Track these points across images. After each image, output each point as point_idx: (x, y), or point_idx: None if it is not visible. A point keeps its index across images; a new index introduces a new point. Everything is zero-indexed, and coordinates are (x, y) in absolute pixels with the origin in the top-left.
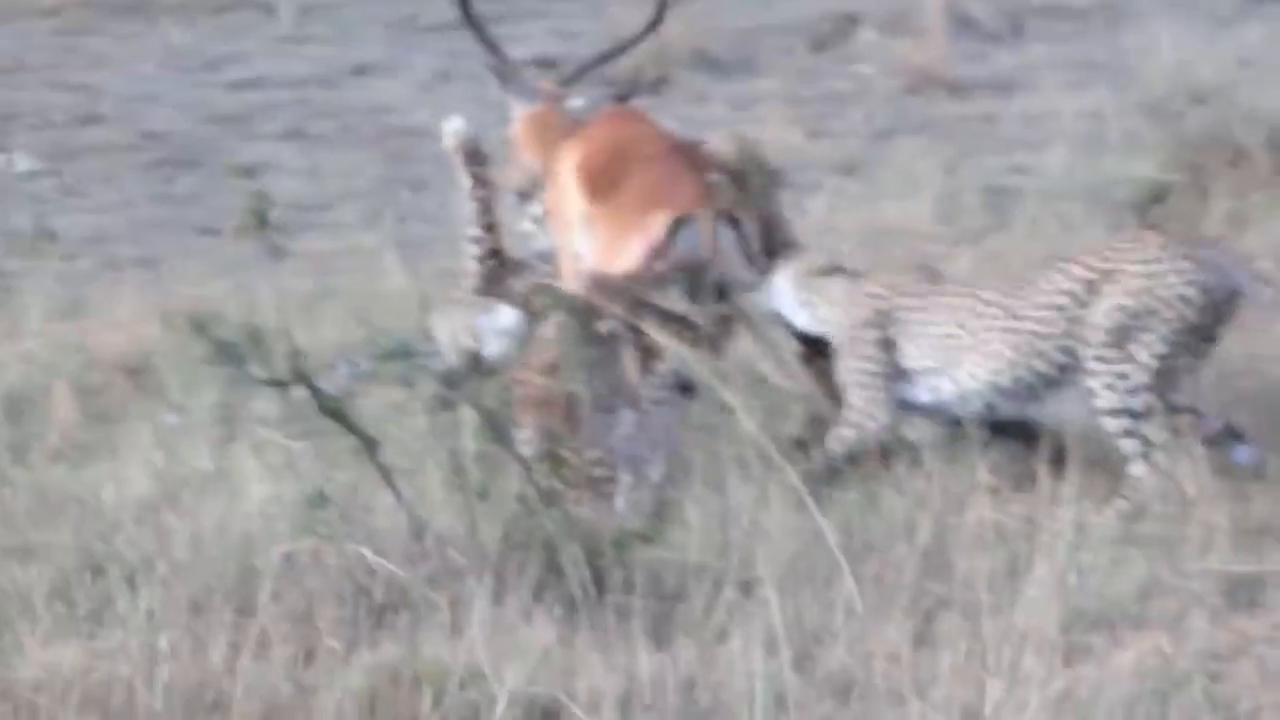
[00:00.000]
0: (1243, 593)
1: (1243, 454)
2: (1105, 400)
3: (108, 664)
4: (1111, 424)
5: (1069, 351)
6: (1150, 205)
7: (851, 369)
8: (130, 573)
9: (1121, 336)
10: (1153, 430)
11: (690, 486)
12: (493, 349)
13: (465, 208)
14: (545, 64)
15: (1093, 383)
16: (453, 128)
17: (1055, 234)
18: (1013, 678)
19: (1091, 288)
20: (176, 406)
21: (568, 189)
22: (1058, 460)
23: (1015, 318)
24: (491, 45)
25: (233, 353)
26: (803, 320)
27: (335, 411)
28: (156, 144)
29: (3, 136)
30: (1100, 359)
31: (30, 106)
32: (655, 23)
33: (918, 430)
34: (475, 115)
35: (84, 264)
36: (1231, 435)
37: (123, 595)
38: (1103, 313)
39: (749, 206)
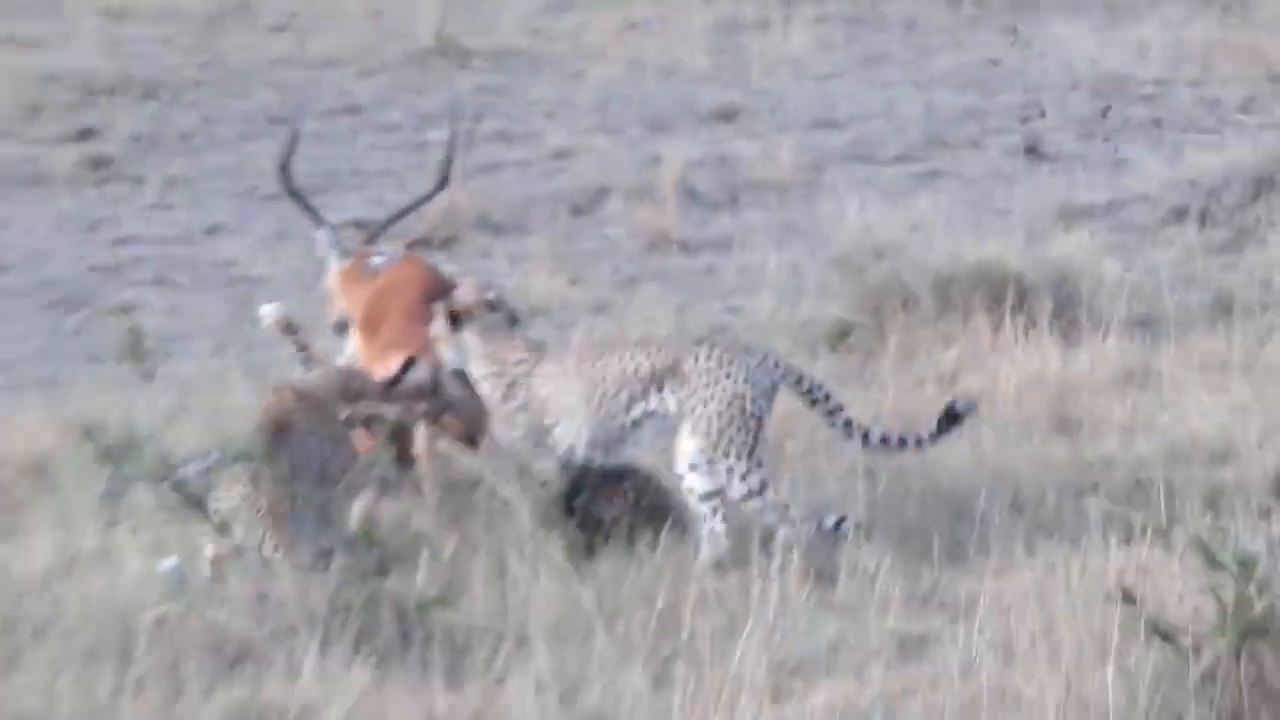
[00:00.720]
0: (912, 647)
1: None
2: (732, 491)
3: (18, 700)
4: (746, 508)
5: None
6: (839, 340)
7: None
8: (37, 629)
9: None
10: (773, 496)
11: (476, 559)
12: None
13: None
14: (361, 225)
15: (715, 481)
16: (267, 310)
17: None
18: (730, 713)
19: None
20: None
21: (354, 331)
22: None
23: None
24: (312, 213)
25: (114, 455)
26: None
27: (196, 500)
28: (52, 288)
29: None
30: (706, 457)
31: None
32: (440, 186)
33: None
34: (304, 265)
35: None
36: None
37: (29, 647)
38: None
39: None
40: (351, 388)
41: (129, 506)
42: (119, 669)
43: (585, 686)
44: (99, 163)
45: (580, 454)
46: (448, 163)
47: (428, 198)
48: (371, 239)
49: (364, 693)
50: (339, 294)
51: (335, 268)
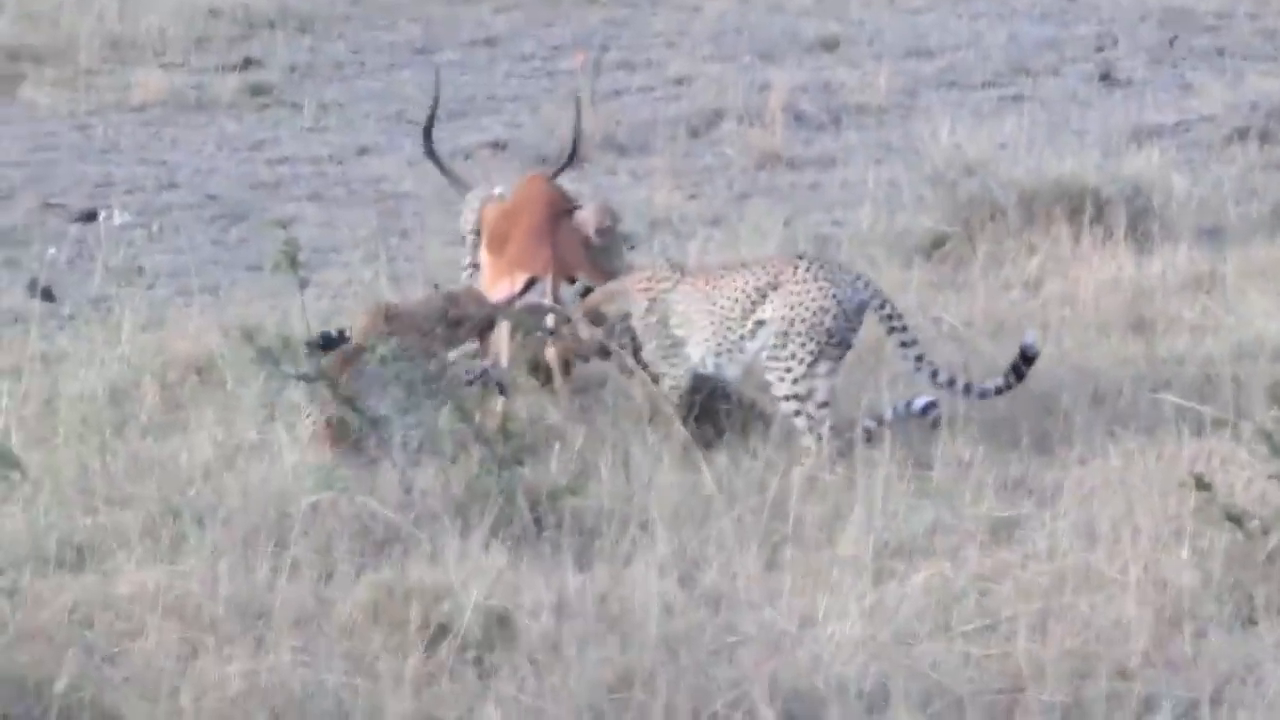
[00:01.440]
0: (1003, 531)
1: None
2: (780, 388)
3: (182, 583)
4: (784, 408)
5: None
6: (932, 249)
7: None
8: (199, 517)
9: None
10: (814, 409)
11: (603, 450)
12: None
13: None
14: (498, 146)
15: (770, 375)
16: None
17: (863, 270)
18: (837, 592)
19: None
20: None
21: (480, 243)
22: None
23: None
24: (446, 171)
25: (272, 355)
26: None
27: (347, 398)
28: (216, 204)
29: (106, 198)
30: (773, 356)
31: (126, 177)
32: (570, 160)
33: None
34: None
35: (163, 291)
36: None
37: (193, 533)
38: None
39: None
40: (453, 312)
41: (285, 403)
42: (275, 553)
43: (703, 567)
44: (259, 89)
45: (710, 362)
46: (577, 133)
47: (563, 168)
48: (554, 176)
49: (500, 574)
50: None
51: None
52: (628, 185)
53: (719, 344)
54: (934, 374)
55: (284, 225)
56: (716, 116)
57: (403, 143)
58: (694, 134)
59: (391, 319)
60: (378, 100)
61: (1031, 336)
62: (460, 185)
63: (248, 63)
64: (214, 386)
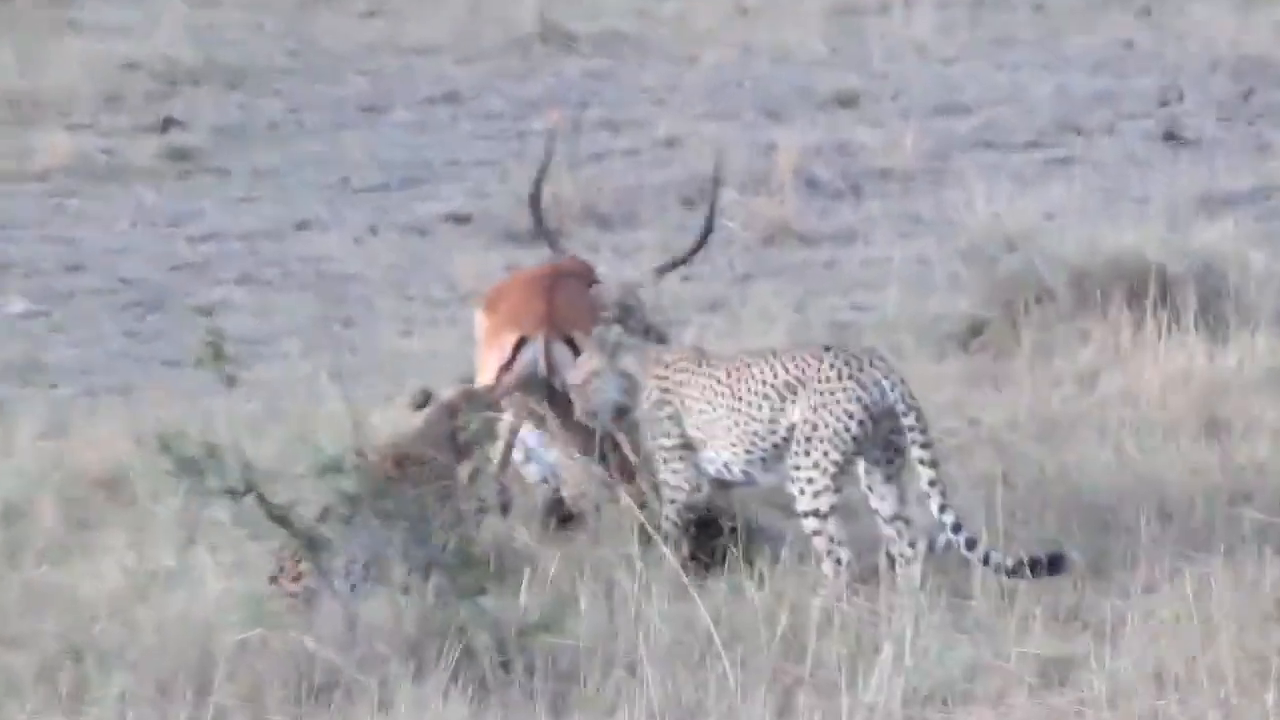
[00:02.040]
0: (1054, 672)
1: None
2: (800, 503)
3: None
4: (804, 524)
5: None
6: (970, 337)
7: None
8: (105, 658)
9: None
10: (835, 529)
11: (582, 578)
12: None
13: None
14: (459, 219)
15: (791, 487)
16: None
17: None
18: None
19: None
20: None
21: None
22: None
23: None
24: (551, 240)
25: (194, 467)
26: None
27: (281, 517)
28: (129, 289)
29: (1, 282)
30: (794, 464)
31: (23, 257)
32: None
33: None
34: (399, 260)
35: (67, 391)
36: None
37: (99, 678)
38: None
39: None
40: (460, 426)
41: (209, 523)
42: (196, 701)
43: (701, 716)
44: (182, 154)
45: (738, 469)
46: (711, 214)
47: (695, 250)
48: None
49: None
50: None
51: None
52: (611, 263)
53: (748, 449)
54: (956, 525)
55: (209, 313)
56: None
57: (347, 215)
58: (688, 204)
59: (401, 462)
60: (319, 166)
61: (1074, 554)
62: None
63: (168, 123)
64: (124, 504)
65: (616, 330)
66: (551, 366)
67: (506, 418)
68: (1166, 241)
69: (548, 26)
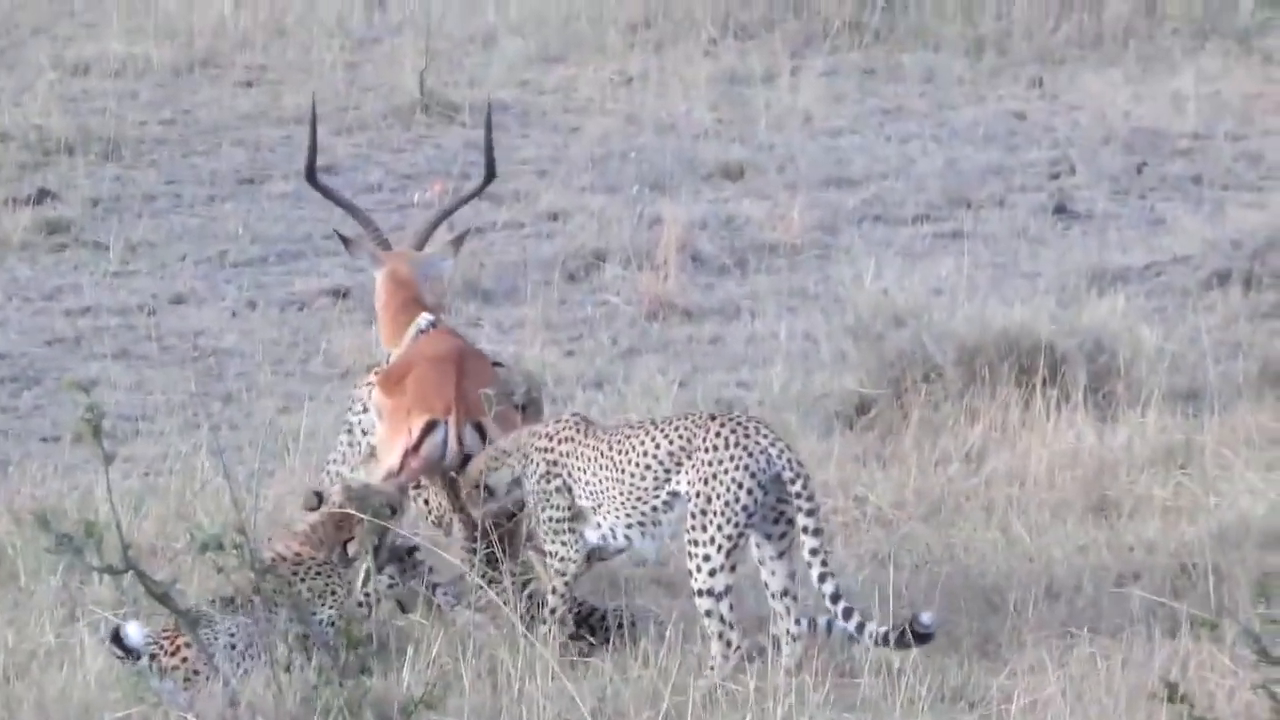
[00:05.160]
0: None
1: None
2: (695, 580)
3: None
4: (698, 603)
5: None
6: (856, 415)
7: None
8: None
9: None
10: (728, 610)
11: (465, 656)
12: None
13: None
14: (339, 294)
15: (688, 563)
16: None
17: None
18: None
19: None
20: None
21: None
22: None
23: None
24: (362, 218)
25: (72, 544)
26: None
27: (161, 595)
28: (4, 363)
29: None
30: (690, 540)
31: None
32: (488, 178)
33: (659, 606)
34: (278, 334)
35: None
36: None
37: None
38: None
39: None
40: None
41: (89, 600)
42: None
43: None
44: (56, 227)
45: (620, 534)
46: (489, 150)
47: (476, 192)
48: (420, 243)
49: None
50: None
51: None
52: (493, 339)
53: (628, 515)
54: (835, 595)
55: (86, 389)
56: (598, 258)
57: (225, 290)
58: (571, 278)
59: (296, 565)
60: (195, 240)
61: (929, 617)
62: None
63: (42, 195)
64: (4, 581)
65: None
66: (460, 451)
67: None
68: (1056, 317)
69: (429, 96)
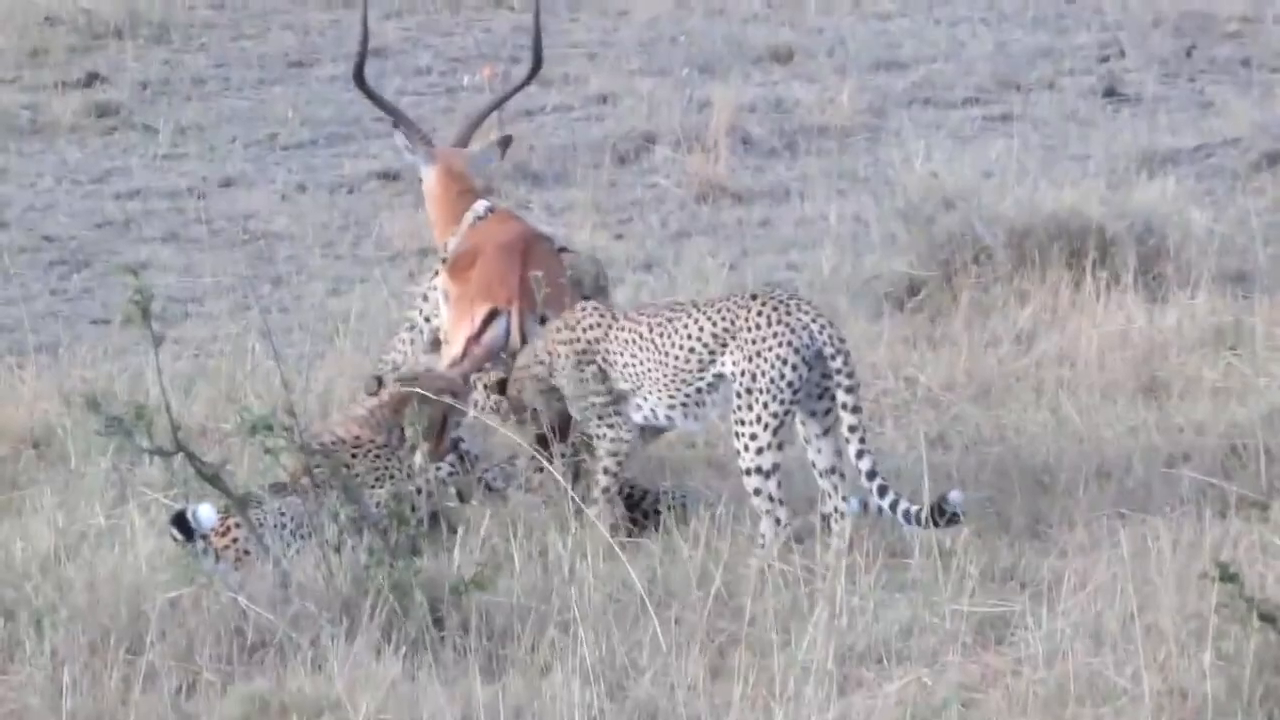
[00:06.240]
0: (991, 630)
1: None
2: (743, 459)
3: (18, 696)
4: (746, 482)
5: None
6: (906, 297)
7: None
8: (36, 616)
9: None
10: (775, 488)
11: (515, 538)
12: None
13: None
14: (388, 176)
15: (735, 443)
16: None
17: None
18: (795, 705)
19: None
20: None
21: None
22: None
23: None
24: (388, 110)
25: (122, 426)
26: None
27: (212, 476)
28: (54, 246)
29: None
30: (736, 419)
31: None
32: (535, 68)
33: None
34: (328, 218)
35: None
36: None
37: (30, 637)
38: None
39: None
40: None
41: (139, 482)
42: (128, 660)
43: (635, 676)
44: (105, 110)
45: (662, 414)
46: (538, 39)
47: (525, 83)
48: (462, 139)
49: (395, 685)
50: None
51: (427, 177)
52: (544, 222)
53: (672, 396)
54: (871, 472)
55: (135, 271)
56: (648, 141)
57: (275, 173)
58: (621, 161)
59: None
60: (245, 123)
61: (956, 495)
62: (397, 121)
63: (91, 79)
64: (54, 463)
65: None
66: (524, 341)
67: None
68: (1106, 200)
69: None
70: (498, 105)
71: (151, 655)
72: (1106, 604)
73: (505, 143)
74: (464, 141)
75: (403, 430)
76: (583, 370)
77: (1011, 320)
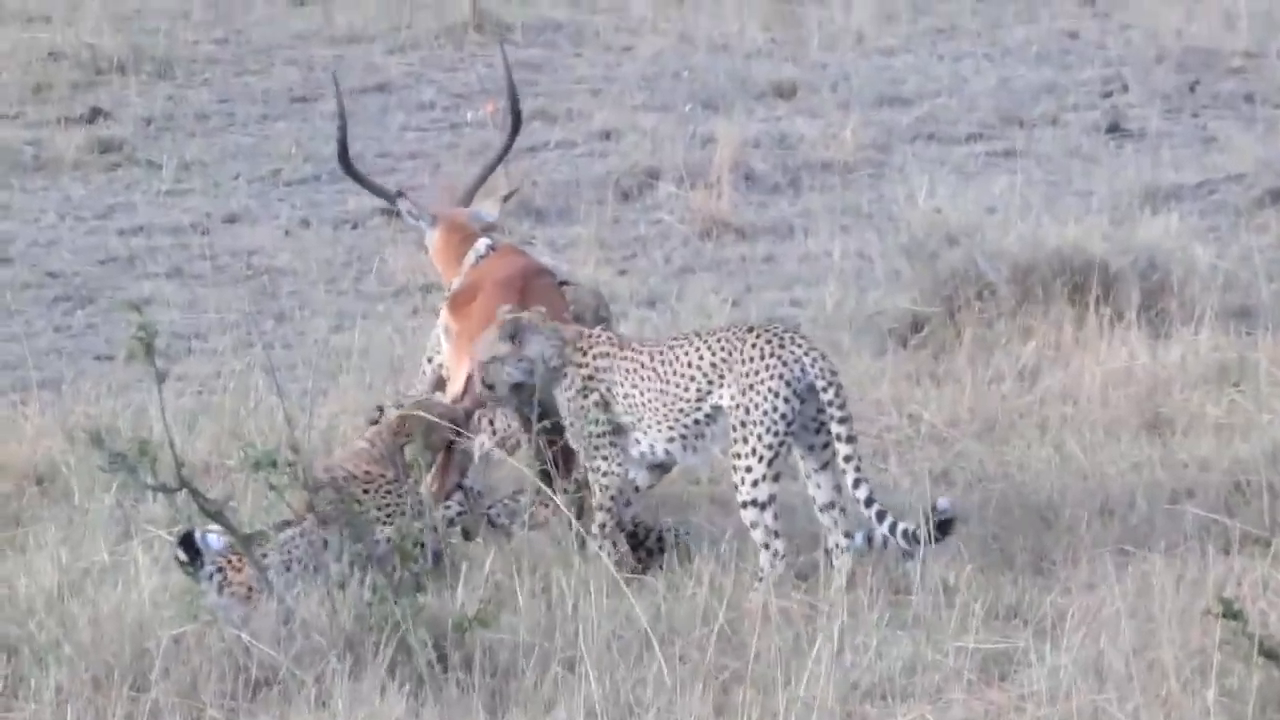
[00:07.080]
0: (994, 667)
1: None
2: (740, 493)
3: None
4: (743, 515)
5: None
6: (909, 333)
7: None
8: (40, 653)
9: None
10: (772, 520)
11: (519, 574)
12: None
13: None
14: (389, 213)
15: (732, 477)
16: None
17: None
18: None
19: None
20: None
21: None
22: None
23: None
24: (377, 190)
25: (126, 462)
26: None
27: (215, 513)
28: (57, 283)
29: None
30: (733, 453)
31: None
32: (515, 130)
33: (713, 524)
34: (331, 254)
35: None
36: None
37: (33, 673)
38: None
39: None
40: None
41: (142, 518)
42: (132, 698)
43: (640, 713)
44: (109, 146)
45: (661, 449)
46: (514, 100)
47: (506, 149)
48: (463, 201)
49: None
50: (442, 256)
51: (432, 240)
52: (547, 259)
53: (671, 428)
54: (869, 499)
55: (139, 307)
56: (651, 177)
57: (278, 208)
58: (625, 197)
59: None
60: (248, 158)
61: (945, 502)
62: (391, 196)
63: (95, 114)
64: (57, 499)
65: (529, 315)
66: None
67: (480, 437)
68: (1110, 236)
69: (481, 15)
70: (491, 170)
71: (155, 692)
72: (1110, 640)
73: (508, 198)
74: (465, 204)
75: (401, 451)
76: (585, 397)
77: (1015, 356)
